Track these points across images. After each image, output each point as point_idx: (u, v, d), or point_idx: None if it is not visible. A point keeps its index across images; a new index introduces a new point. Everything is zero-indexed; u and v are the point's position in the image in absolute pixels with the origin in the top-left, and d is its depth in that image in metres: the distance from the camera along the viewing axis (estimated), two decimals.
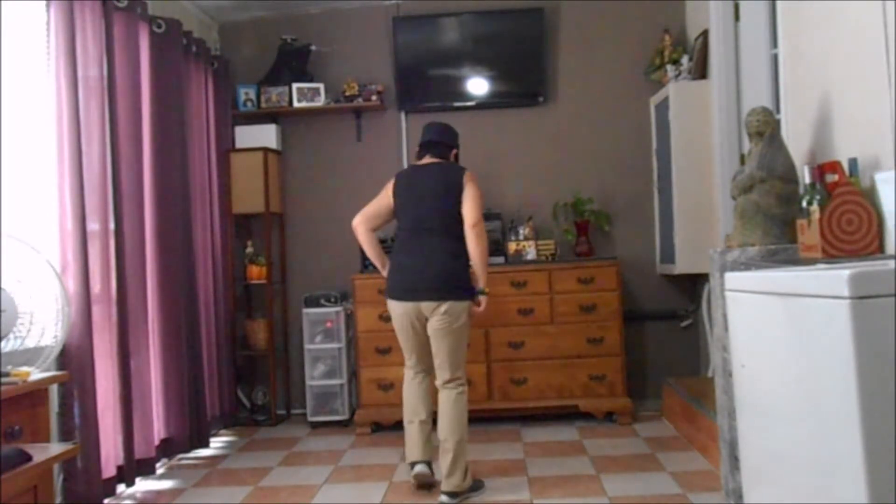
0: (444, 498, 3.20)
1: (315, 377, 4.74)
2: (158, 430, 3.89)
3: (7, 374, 2.43)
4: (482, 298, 3.33)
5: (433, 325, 3.27)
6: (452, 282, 3.26)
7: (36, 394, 2.53)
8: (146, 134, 3.87)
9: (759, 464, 2.14)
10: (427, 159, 3.44)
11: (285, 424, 4.85)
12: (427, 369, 3.45)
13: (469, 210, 3.26)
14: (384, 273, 3.47)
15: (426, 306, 3.24)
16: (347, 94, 4.91)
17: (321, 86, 4.93)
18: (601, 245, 4.86)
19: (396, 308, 3.33)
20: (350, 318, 4.75)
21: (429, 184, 3.34)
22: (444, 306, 3.23)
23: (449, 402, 3.30)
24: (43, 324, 2.70)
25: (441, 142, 3.46)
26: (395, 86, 4.97)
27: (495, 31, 4.91)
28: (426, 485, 3.36)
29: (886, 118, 2.31)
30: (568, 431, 4.25)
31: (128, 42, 3.70)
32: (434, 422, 3.38)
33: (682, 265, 4.35)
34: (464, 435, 3.30)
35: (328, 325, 4.73)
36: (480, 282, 3.30)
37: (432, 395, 3.42)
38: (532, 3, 4.88)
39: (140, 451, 3.64)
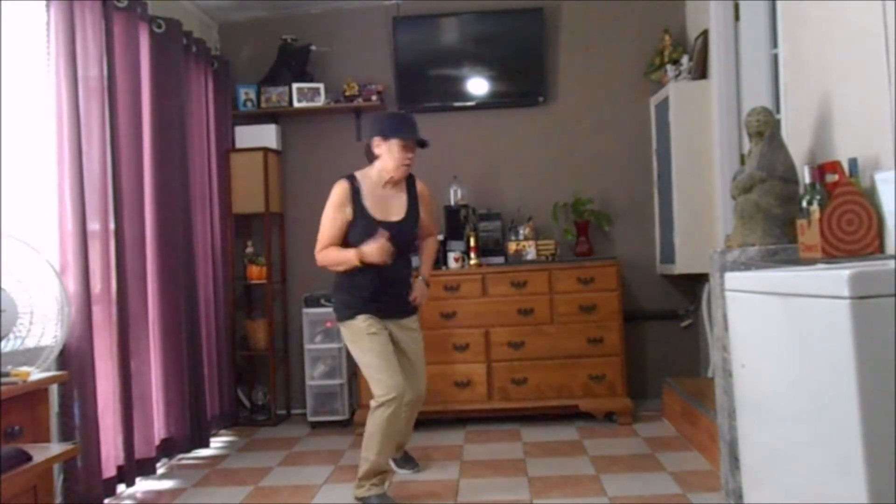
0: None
1: (315, 377, 4.74)
2: (159, 430, 3.89)
3: (7, 374, 2.43)
4: None
5: (414, 338, 3.41)
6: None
7: (36, 394, 2.54)
8: (146, 134, 3.87)
9: (759, 464, 2.15)
10: None
11: (285, 424, 4.85)
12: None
13: None
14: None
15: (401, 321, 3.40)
16: (347, 93, 4.91)
17: (321, 86, 4.93)
18: (601, 245, 4.86)
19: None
20: None
21: None
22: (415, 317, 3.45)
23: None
24: (43, 324, 2.70)
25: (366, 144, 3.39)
26: (395, 86, 4.97)
27: (495, 31, 4.91)
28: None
29: (886, 118, 2.31)
30: (568, 431, 4.25)
31: (128, 42, 3.70)
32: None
33: (682, 265, 4.35)
34: (367, 453, 3.24)
35: (328, 325, 4.73)
36: None
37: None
38: (532, 3, 4.88)
39: (140, 451, 3.64)
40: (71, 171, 3.19)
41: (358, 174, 3.29)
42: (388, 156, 3.23)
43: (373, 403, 3.16)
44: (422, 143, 3.28)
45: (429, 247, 3.57)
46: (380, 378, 3.13)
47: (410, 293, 3.37)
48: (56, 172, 3.18)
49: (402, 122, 3.29)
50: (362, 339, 3.20)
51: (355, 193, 3.22)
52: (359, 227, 3.20)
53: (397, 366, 3.19)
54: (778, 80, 3.42)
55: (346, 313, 3.25)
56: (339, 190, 3.23)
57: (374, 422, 3.13)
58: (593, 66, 4.93)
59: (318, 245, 3.24)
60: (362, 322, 3.20)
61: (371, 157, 3.31)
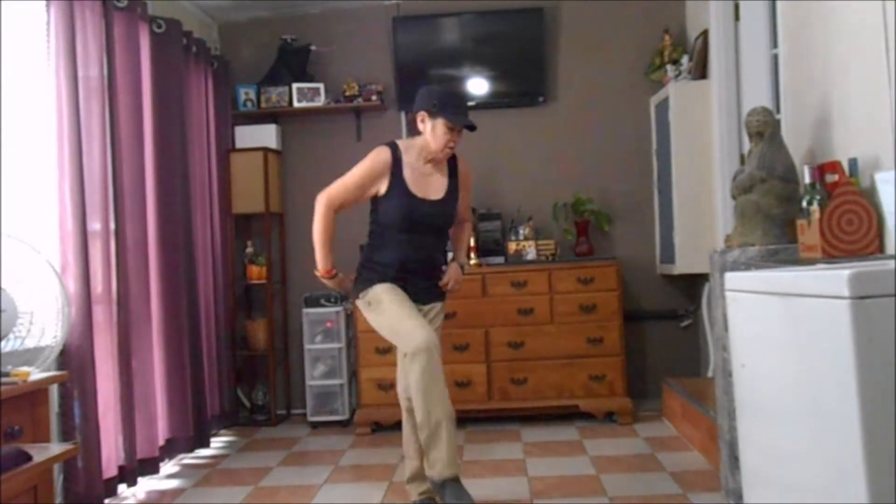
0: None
1: (315, 377, 4.74)
2: (162, 430, 3.89)
3: (7, 374, 2.43)
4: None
5: (433, 321, 3.15)
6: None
7: (36, 394, 2.53)
8: (146, 134, 3.87)
9: (759, 464, 2.15)
10: None
11: (285, 424, 4.85)
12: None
13: None
14: None
15: None
16: (347, 94, 4.91)
17: (321, 86, 4.93)
18: (601, 245, 4.86)
19: None
20: (350, 318, 4.75)
21: None
22: None
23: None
24: (43, 324, 2.70)
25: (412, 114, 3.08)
26: (395, 86, 4.97)
27: (495, 31, 4.91)
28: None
29: (886, 118, 2.31)
30: (568, 431, 4.25)
31: (128, 42, 3.70)
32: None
33: (682, 265, 4.35)
34: (429, 407, 2.81)
35: (328, 325, 4.73)
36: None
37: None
38: (532, 3, 4.88)
39: (143, 451, 3.64)
40: (71, 170, 3.19)
41: (402, 144, 3.00)
42: (431, 135, 2.93)
43: (406, 359, 2.85)
44: (471, 128, 3.00)
45: (464, 232, 3.26)
46: (406, 332, 2.82)
47: (442, 278, 3.08)
48: (56, 172, 3.18)
49: (452, 101, 2.98)
50: (380, 302, 2.90)
51: (396, 165, 2.92)
52: (396, 201, 2.92)
53: (423, 319, 2.89)
54: (778, 80, 3.42)
55: (364, 286, 2.96)
56: (380, 159, 2.92)
57: (416, 375, 2.75)
58: (593, 66, 4.92)
59: (330, 194, 2.93)
60: (380, 288, 2.92)
61: (414, 130, 3.04)
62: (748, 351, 2.16)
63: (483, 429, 4.39)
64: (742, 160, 3.94)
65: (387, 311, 2.89)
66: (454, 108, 2.96)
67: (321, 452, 4.15)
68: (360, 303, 3.02)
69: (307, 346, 4.75)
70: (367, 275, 2.99)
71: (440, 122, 2.91)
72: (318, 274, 3.02)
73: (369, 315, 2.99)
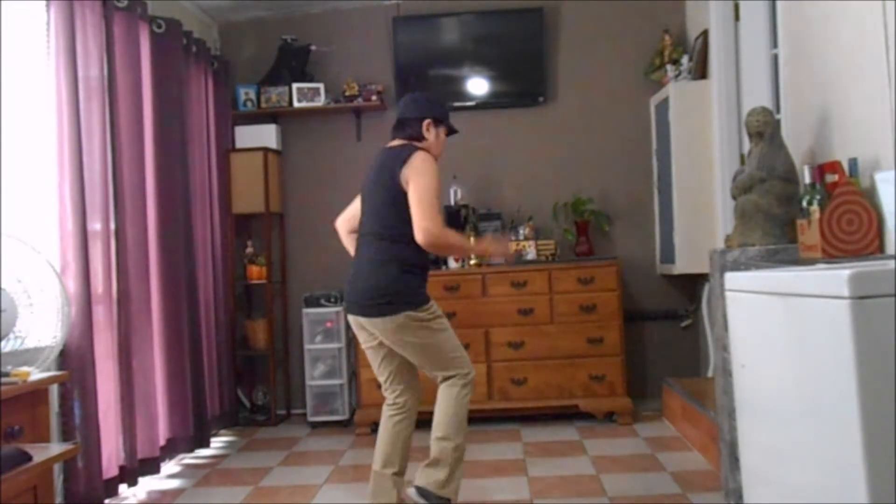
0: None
1: (315, 377, 4.74)
2: (163, 430, 3.89)
3: (7, 374, 2.43)
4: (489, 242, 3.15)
5: (388, 344, 2.92)
6: (379, 296, 2.81)
7: (36, 394, 2.54)
8: (147, 134, 3.87)
9: (759, 464, 2.15)
10: (394, 142, 2.98)
11: (285, 424, 4.85)
12: (402, 398, 3.05)
13: (414, 212, 2.74)
14: None
15: (366, 322, 2.89)
16: (347, 94, 4.91)
17: (321, 86, 4.93)
18: (601, 245, 4.86)
19: (351, 321, 2.99)
20: None
21: (372, 175, 2.93)
22: (382, 323, 2.83)
23: (442, 397, 2.98)
24: (43, 324, 2.70)
25: (406, 118, 2.96)
26: (395, 86, 4.96)
27: (495, 31, 4.91)
28: None
29: (886, 118, 2.31)
30: (568, 431, 4.25)
31: (128, 42, 3.70)
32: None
33: (682, 265, 4.35)
34: (457, 439, 2.93)
35: (328, 325, 4.73)
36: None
37: (409, 441, 3.09)
38: (532, 3, 4.88)
39: (144, 451, 3.64)
40: (71, 170, 3.19)
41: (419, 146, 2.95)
42: (435, 141, 2.96)
43: (457, 381, 2.93)
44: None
45: None
46: (463, 356, 2.97)
47: None
48: (56, 172, 3.18)
49: (448, 110, 3.08)
50: (441, 319, 2.91)
51: None
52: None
53: (373, 361, 3.05)
54: (778, 80, 3.42)
55: (423, 296, 2.87)
56: (437, 166, 2.86)
57: (462, 402, 2.94)
58: (593, 66, 4.93)
59: (434, 215, 2.74)
60: (436, 305, 2.93)
61: (407, 133, 2.94)
62: (748, 351, 2.16)
63: (483, 429, 4.39)
64: (742, 160, 3.94)
65: (447, 330, 2.94)
66: (448, 116, 3.07)
67: (321, 452, 4.15)
68: (419, 314, 2.84)
69: (307, 346, 4.75)
70: (419, 282, 2.90)
71: (442, 130, 3.00)
72: (476, 256, 3.11)
73: (426, 330, 2.86)
